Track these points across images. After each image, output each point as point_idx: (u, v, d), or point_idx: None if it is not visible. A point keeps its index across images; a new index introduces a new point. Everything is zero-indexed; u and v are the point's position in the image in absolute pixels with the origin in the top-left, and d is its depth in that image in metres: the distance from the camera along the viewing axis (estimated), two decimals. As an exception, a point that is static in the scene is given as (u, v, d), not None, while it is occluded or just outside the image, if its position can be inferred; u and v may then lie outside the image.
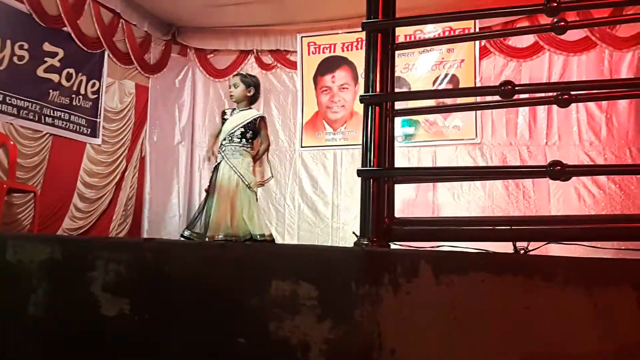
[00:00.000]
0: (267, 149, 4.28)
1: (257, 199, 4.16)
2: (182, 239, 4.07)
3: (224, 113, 4.35)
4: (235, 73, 4.49)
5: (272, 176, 4.43)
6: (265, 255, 1.32)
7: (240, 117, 4.19)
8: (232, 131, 4.13)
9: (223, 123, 4.25)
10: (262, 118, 4.30)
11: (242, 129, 4.13)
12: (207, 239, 3.88)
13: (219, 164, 4.12)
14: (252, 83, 4.26)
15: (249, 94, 4.23)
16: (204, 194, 7.03)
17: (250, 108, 4.29)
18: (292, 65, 7.04)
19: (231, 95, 4.27)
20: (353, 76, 6.75)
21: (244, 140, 4.13)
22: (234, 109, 4.29)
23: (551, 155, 5.84)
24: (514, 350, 1.07)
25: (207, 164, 3.96)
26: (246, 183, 4.02)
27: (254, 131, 4.18)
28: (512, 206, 5.79)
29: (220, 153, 4.14)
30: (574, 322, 1.04)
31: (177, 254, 1.39)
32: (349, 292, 1.21)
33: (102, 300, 1.39)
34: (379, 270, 1.19)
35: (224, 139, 4.14)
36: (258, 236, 3.93)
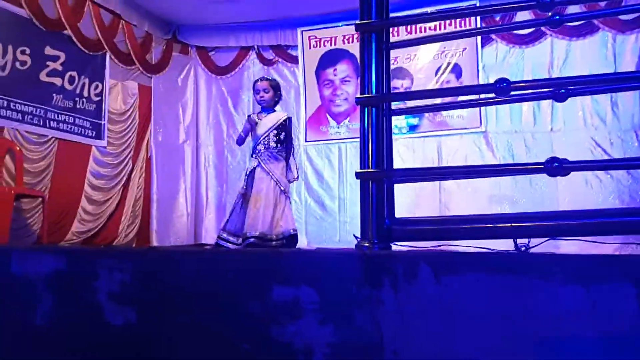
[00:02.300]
0: (293, 149, 4.47)
1: (290, 202, 4.37)
2: (219, 240, 4.23)
3: (250, 118, 4.45)
4: (261, 77, 4.62)
5: (298, 177, 4.55)
6: (265, 261, 1.33)
7: (273, 119, 4.34)
8: (266, 135, 4.27)
9: (252, 127, 4.38)
10: (290, 119, 4.49)
11: (275, 131, 4.29)
12: (241, 238, 4.09)
13: (254, 168, 4.26)
14: (278, 87, 4.47)
15: (276, 98, 4.42)
16: (211, 192, 7.17)
17: (274, 110, 4.45)
18: (294, 60, 7.02)
19: (262, 100, 4.38)
20: (355, 68, 6.72)
21: (278, 145, 4.29)
22: (260, 112, 4.42)
23: (557, 142, 5.81)
24: (513, 350, 1.07)
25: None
26: (282, 188, 4.21)
27: (286, 132, 4.36)
28: (519, 194, 5.76)
29: (256, 158, 4.27)
30: (573, 321, 1.04)
31: (180, 262, 1.41)
32: (350, 296, 1.22)
33: (108, 309, 1.41)
34: (379, 273, 1.20)
35: (259, 144, 4.27)
36: (292, 230, 4.18)
